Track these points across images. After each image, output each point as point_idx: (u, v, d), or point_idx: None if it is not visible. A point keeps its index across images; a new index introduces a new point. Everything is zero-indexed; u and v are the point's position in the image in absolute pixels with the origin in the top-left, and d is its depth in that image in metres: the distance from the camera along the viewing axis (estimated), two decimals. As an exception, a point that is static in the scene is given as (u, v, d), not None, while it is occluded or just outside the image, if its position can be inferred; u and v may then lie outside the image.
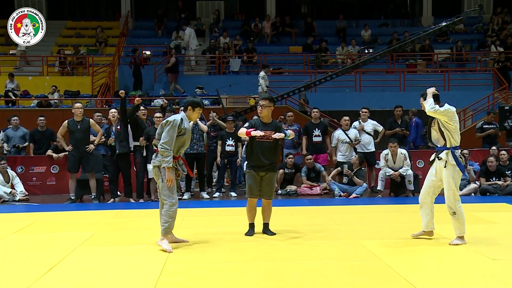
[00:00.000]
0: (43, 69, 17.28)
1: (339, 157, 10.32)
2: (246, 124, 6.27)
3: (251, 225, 6.22)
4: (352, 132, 10.37)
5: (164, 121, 5.48)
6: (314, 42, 19.33)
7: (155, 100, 14.81)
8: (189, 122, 5.57)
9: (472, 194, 9.85)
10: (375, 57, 14.42)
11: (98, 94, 15.79)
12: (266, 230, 6.15)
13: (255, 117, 6.35)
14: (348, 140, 10.29)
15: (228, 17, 22.01)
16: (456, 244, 5.42)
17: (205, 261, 4.99)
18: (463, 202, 8.78)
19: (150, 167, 9.21)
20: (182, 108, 5.77)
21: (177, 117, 5.44)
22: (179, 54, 18.17)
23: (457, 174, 5.46)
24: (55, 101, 15.46)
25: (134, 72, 16.54)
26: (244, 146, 10.40)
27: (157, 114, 9.33)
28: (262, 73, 14.81)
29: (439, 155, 5.50)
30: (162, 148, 5.32)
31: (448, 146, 5.45)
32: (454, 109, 5.48)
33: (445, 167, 5.43)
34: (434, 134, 5.63)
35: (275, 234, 6.09)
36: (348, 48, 18.63)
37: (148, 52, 17.24)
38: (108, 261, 5.05)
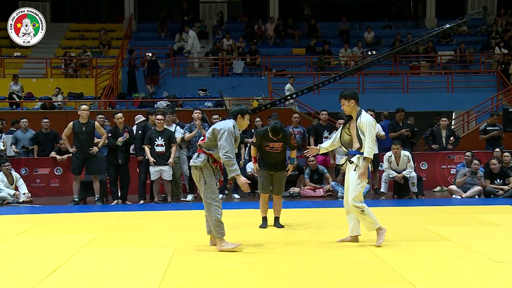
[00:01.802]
0: (46, 71, 17.32)
1: (338, 160, 10.25)
2: (254, 139, 6.88)
3: (264, 218, 6.76)
4: None
5: (218, 128, 5.28)
6: (317, 44, 19.33)
7: (158, 102, 14.84)
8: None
9: (476, 196, 9.81)
10: (379, 59, 14.40)
11: (102, 96, 15.82)
12: (276, 223, 6.72)
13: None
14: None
15: (231, 19, 22.02)
16: (380, 244, 5.35)
17: (207, 263, 4.99)
18: (467, 204, 8.88)
19: (152, 169, 9.34)
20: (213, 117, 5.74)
21: (229, 124, 5.32)
22: (182, 56, 18.21)
23: (365, 179, 5.43)
24: (59, 103, 15.50)
25: (128, 73, 16.55)
26: (247, 148, 10.40)
27: (159, 117, 9.41)
28: (288, 86, 14.74)
29: (351, 159, 5.50)
30: (226, 158, 5.20)
31: (362, 150, 5.41)
32: (375, 121, 5.53)
33: (354, 170, 5.42)
34: (346, 137, 5.57)
35: (283, 227, 6.63)
36: (353, 49, 18.61)
37: (150, 54, 17.25)
38: (112, 263, 5.06)
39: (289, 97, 13.99)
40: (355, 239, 5.70)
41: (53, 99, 15.56)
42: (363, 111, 5.52)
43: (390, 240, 5.77)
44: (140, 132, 9.56)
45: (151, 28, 20.96)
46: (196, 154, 5.46)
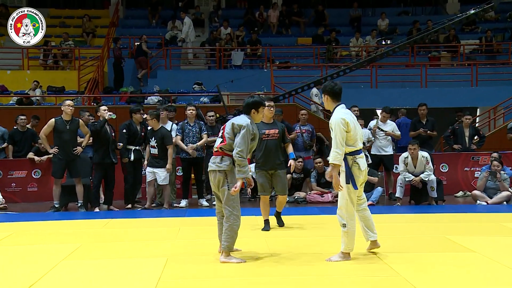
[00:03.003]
0: (23, 62, 17.31)
1: None
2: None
3: (266, 221, 7.15)
4: (365, 133, 10.31)
5: (237, 125, 5.34)
6: (325, 32, 19.34)
7: (149, 98, 14.85)
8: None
9: (504, 202, 9.80)
10: (394, 50, 14.40)
11: (85, 91, 15.82)
12: (278, 219, 7.32)
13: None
14: None
15: (230, 5, 22.06)
16: (336, 261, 5.32)
17: (203, 275, 5.00)
18: (494, 211, 8.86)
19: (148, 170, 9.36)
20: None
21: (247, 120, 5.37)
22: (175, 46, 18.21)
23: (340, 189, 5.33)
24: (37, 98, 15.51)
25: (114, 65, 16.55)
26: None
27: (145, 116, 9.46)
28: (315, 90, 14.68)
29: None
30: (239, 158, 5.24)
31: (347, 151, 5.29)
32: (347, 118, 5.24)
33: (339, 174, 5.34)
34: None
35: (283, 225, 7.26)
36: (365, 39, 18.61)
37: (137, 44, 17.27)
38: (96, 276, 5.05)
39: (293, 92, 14.00)
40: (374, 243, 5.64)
41: (30, 93, 15.57)
42: (338, 108, 5.36)
43: (407, 251, 5.78)
44: (124, 131, 9.51)
45: (140, 15, 20.99)
46: (218, 157, 5.41)
